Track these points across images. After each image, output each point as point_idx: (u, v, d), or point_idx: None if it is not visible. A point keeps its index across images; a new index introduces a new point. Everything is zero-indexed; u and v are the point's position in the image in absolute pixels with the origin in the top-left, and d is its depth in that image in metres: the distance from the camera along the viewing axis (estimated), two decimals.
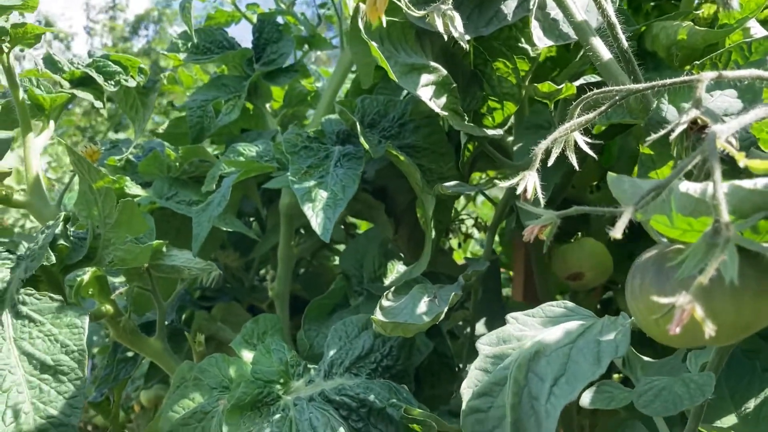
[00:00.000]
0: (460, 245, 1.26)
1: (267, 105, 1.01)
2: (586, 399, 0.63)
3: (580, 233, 0.95)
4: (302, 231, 1.12)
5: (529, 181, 0.42)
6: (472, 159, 0.79)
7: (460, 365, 0.79)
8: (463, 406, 0.47)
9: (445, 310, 0.60)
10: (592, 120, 0.45)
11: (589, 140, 0.47)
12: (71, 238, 0.68)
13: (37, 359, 0.61)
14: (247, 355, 0.75)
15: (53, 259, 0.63)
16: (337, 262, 1.45)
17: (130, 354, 0.93)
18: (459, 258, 1.20)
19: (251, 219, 1.17)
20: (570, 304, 0.51)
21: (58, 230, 0.64)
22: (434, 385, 0.80)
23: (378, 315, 0.60)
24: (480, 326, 0.79)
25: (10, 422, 0.58)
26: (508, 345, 0.48)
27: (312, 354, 0.79)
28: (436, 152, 0.78)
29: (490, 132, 0.68)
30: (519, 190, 0.43)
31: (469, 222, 1.21)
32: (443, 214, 0.81)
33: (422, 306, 0.62)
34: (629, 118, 0.60)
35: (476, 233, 1.29)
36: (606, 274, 0.80)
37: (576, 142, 0.46)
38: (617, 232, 0.33)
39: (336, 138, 0.80)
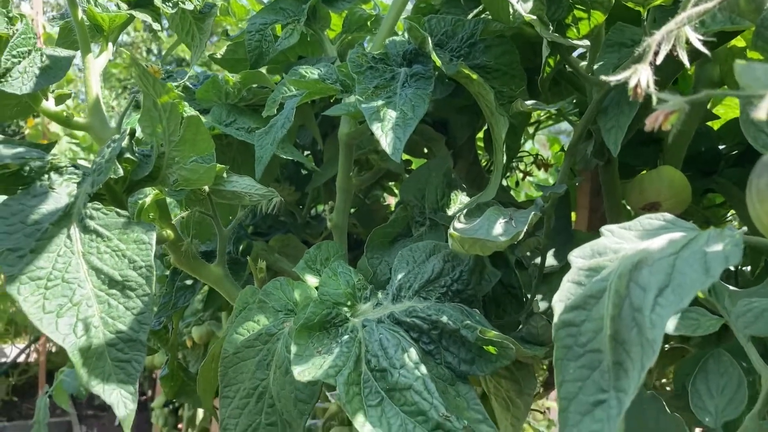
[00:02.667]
0: (517, 183, 1.22)
1: (324, 31, 0.97)
2: (670, 326, 0.60)
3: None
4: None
5: (642, 75, 0.39)
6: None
7: (528, 296, 0.76)
8: (555, 320, 0.44)
9: (524, 230, 0.57)
10: (707, 11, 0.41)
11: (701, 37, 0.43)
12: (137, 154, 0.67)
13: (105, 274, 0.60)
14: (311, 280, 0.74)
15: (121, 171, 0.61)
16: (387, 202, 1.43)
17: (188, 282, 0.93)
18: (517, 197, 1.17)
19: (306, 153, 1.14)
20: (669, 216, 0.48)
21: (124, 143, 0.62)
22: (499, 316, 0.78)
23: (455, 231, 0.57)
24: (550, 256, 0.77)
25: (81, 335, 0.58)
26: (603, 257, 0.45)
27: (375, 282, 0.77)
28: (508, 74, 0.75)
29: (576, 42, 0.64)
30: (632, 84, 0.39)
31: (528, 159, 1.17)
32: (513, 140, 0.77)
33: (498, 227, 0.59)
34: (729, 25, 0.56)
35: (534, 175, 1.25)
36: (684, 204, 0.76)
37: (688, 39, 0.42)
38: (761, 112, 0.30)
39: (402, 59, 0.77)
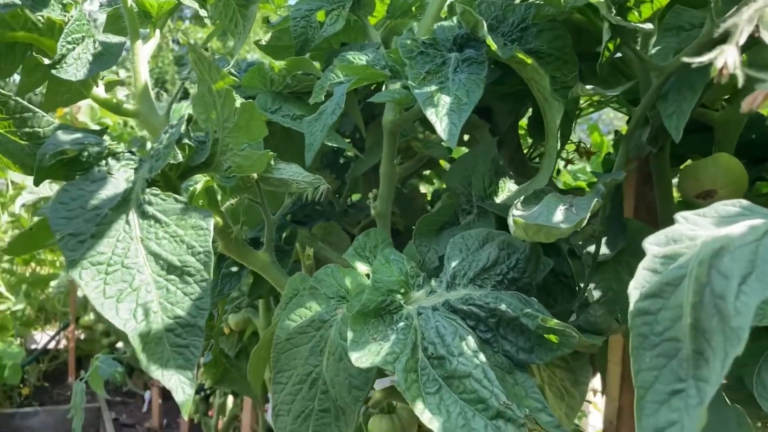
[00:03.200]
0: (558, 172, 1.21)
1: (368, 17, 0.97)
2: None
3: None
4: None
5: (729, 55, 0.38)
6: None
7: (581, 284, 0.75)
8: (631, 308, 0.43)
9: (587, 217, 0.56)
10: None
11: None
12: (193, 140, 0.67)
13: (164, 259, 0.60)
14: (362, 267, 0.73)
15: (180, 157, 0.61)
16: (424, 190, 1.42)
17: (234, 269, 0.93)
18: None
19: (347, 141, 1.14)
20: (745, 202, 0.46)
21: (182, 129, 0.63)
22: (550, 306, 0.77)
23: (518, 217, 0.57)
24: (603, 244, 0.76)
25: (141, 320, 0.58)
26: (679, 245, 0.44)
27: (424, 270, 0.77)
28: (561, 59, 0.73)
29: (639, 25, 0.62)
30: (718, 64, 0.38)
31: (570, 147, 1.16)
32: (565, 127, 0.76)
33: (559, 214, 0.58)
34: None
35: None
36: (741, 192, 0.75)
37: None
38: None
39: (452, 44, 0.76)
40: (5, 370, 3.54)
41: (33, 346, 4.57)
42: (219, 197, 0.91)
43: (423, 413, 0.56)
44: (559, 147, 0.72)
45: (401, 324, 0.62)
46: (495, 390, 0.56)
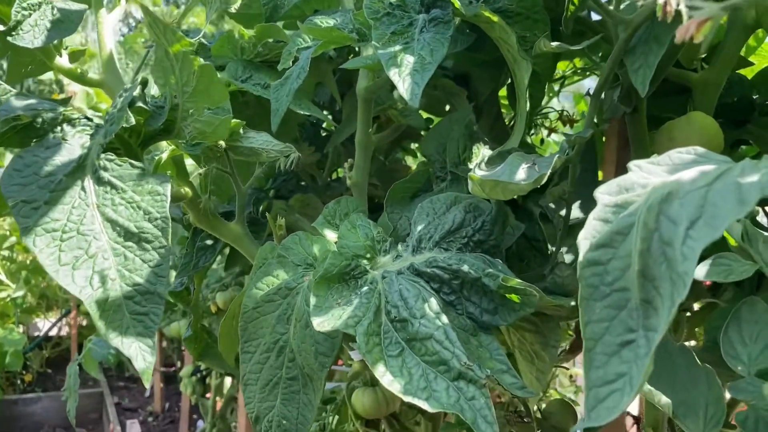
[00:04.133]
0: (542, 142, 1.19)
1: None
2: (701, 271, 0.58)
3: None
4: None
5: None
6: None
7: (552, 249, 0.74)
8: (580, 258, 0.42)
9: (548, 173, 0.55)
10: None
11: None
12: (149, 104, 0.66)
13: (121, 226, 0.59)
14: (330, 235, 0.72)
15: (133, 120, 0.60)
16: (409, 163, 1.41)
17: (209, 242, 0.92)
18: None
19: (325, 113, 1.13)
20: (701, 149, 0.45)
21: (136, 93, 0.61)
22: (523, 270, 0.76)
23: (476, 174, 0.55)
24: (576, 208, 0.74)
25: (98, 287, 0.57)
26: (631, 193, 0.43)
27: (395, 237, 0.76)
28: (530, 18, 0.72)
29: None
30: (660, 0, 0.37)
31: (553, 116, 1.14)
32: (536, 89, 0.75)
33: (521, 172, 0.57)
34: None
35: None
36: (716, 151, 0.73)
37: None
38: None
39: (420, 5, 0.74)
40: (7, 356, 3.55)
41: (35, 334, 4.59)
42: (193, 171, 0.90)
43: (384, 376, 0.55)
44: (528, 108, 0.70)
45: (365, 288, 0.61)
46: (456, 351, 0.55)
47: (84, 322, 4.53)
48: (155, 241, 0.60)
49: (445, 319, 0.57)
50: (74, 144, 0.60)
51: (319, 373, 0.65)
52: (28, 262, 4.40)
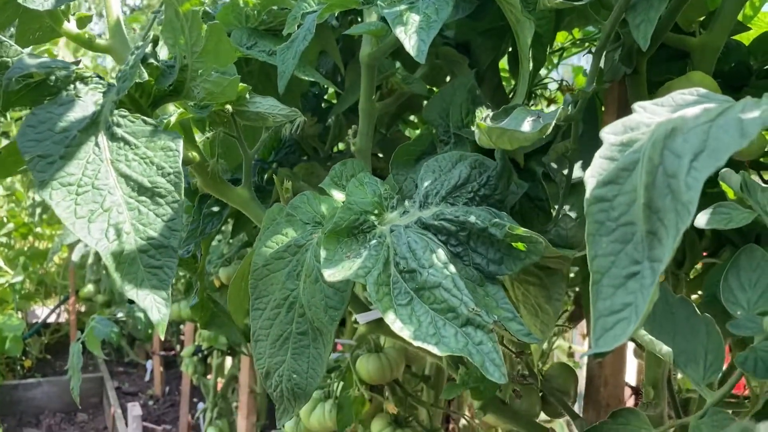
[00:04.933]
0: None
1: None
2: (701, 220, 0.59)
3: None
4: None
5: None
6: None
7: (556, 207, 0.75)
8: (587, 195, 0.44)
9: (552, 124, 0.57)
10: None
11: None
12: (160, 63, 0.67)
13: (135, 181, 0.60)
14: (338, 195, 0.74)
15: (146, 75, 0.61)
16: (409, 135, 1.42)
17: (215, 209, 0.94)
18: None
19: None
20: (702, 90, 0.47)
21: (147, 50, 0.62)
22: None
23: (483, 122, 0.57)
24: (578, 168, 0.76)
25: (113, 239, 0.58)
26: (636, 132, 0.45)
27: (402, 196, 0.77)
28: None
29: None
30: None
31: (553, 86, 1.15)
32: (539, 50, 0.76)
33: (526, 124, 0.58)
34: None
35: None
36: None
37: None
38: None
39: None
40: (6, 342, 3.56)
41: (34, 321, 4.60)
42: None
43: (394, 323, 0.57)
44: (531, 69, 0.72)
45: (374, 242, 0.63)
46: (464, 298, 0.57)
47: (83, 308, 4.55)
48: (168, 196, 0.61)
49: (452, 268, 0.59)
50: (87, 101, 0.62)
51: (329, 327, 0.67)
52: (26, 248, 4.41)
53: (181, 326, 3.60)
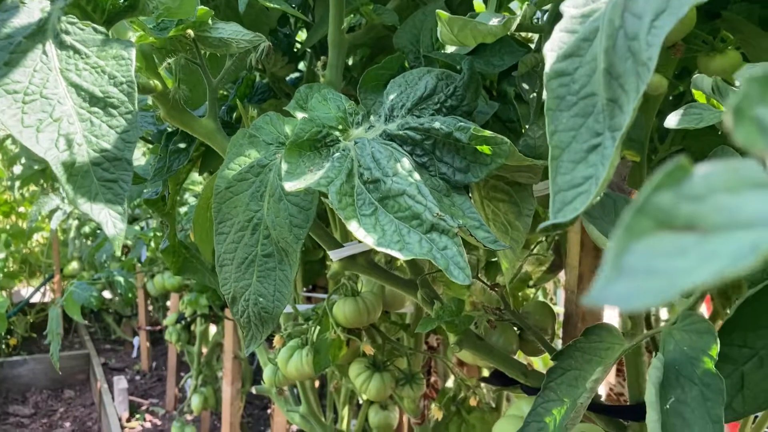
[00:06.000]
0: None
1: None
2: (672, 120, 0.58)
3: None
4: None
5: None
6: None
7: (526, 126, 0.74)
8: (547, 69, 0.42)
9: (517, 20, 0.55)
10: None
11: None
12: None
13: (86, 91, 0.58)
14: (302, 116, 0.72)
15: None
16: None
17: (182, 145, 0.91)
18: None
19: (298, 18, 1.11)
20: None
21: None
22: None
23: (443, 12, 0.55)
24: None
25: (64, 149, 0.56)
26: (597, 2, 0.43)
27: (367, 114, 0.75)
28: None
29: None
30: None
31: None
32: None
33: (494, 19, 0.56)
34: None
35: None
36: (689, 24, 0.73)
37: None
38: None
39: None
40: None
41: (19, 301, 4.57)
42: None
43: (357, 231, 0.55)
44: None
45: (337, 155, 0.61)
46: (428, 204, 0.55)
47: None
48: (121, 107, 0.58)
49: (417, 176, 0.57)
50: (33, 7, 0.59)
51: (294, 246, 0.65)
52: (8, 227, 4.36)
53: (168, 303, 3.58)
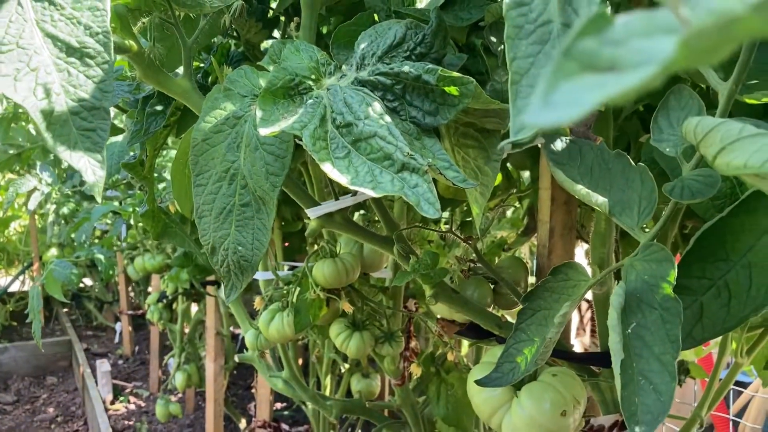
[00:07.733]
0: None
1: None
2: None
3: None
4: None
5: None
6: None
7: (495, 79, 0.76)
8: (506, 0, 0.44)
9: None
10: None
11: None
12: None
13: (62, 41, 0.59)
14: None
15: None
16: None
17: (159, 108, 0.92)
18: None
19: None
20: None
21: None
22: None
23: None
24: None
25: (42, 98, 0.57)
26: None
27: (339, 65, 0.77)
28: None
29: None
30: None
31: None
32: None
33: None
34: None
35: None
36: None
37: None
38: None
39: None
40: None
41: None
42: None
43: (332, 171, 0.57)
44: None
45: (310, 101, 0.62)
46: (399, 144, 0.57)
47: None
48: (98, 57, 0.60)
49: (388, 118, 0.59)
50: None
51: (271, 194, 0.67)
52: None
53: (149, 289, 3.58)
